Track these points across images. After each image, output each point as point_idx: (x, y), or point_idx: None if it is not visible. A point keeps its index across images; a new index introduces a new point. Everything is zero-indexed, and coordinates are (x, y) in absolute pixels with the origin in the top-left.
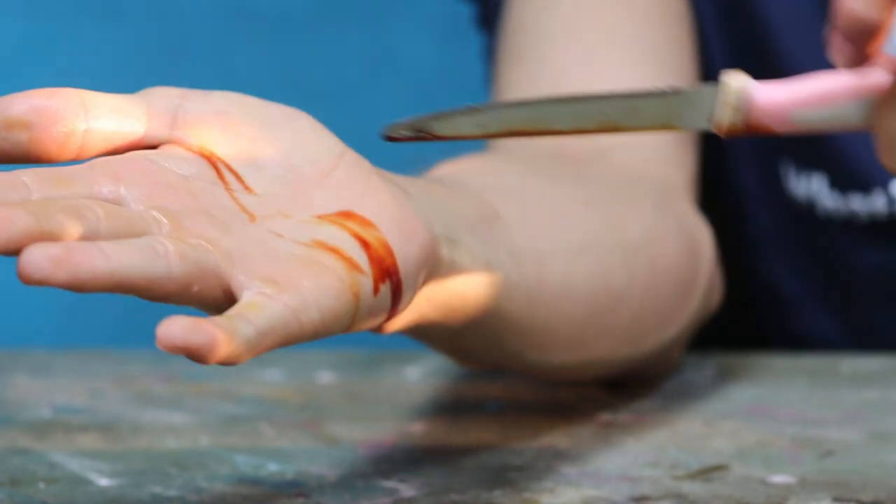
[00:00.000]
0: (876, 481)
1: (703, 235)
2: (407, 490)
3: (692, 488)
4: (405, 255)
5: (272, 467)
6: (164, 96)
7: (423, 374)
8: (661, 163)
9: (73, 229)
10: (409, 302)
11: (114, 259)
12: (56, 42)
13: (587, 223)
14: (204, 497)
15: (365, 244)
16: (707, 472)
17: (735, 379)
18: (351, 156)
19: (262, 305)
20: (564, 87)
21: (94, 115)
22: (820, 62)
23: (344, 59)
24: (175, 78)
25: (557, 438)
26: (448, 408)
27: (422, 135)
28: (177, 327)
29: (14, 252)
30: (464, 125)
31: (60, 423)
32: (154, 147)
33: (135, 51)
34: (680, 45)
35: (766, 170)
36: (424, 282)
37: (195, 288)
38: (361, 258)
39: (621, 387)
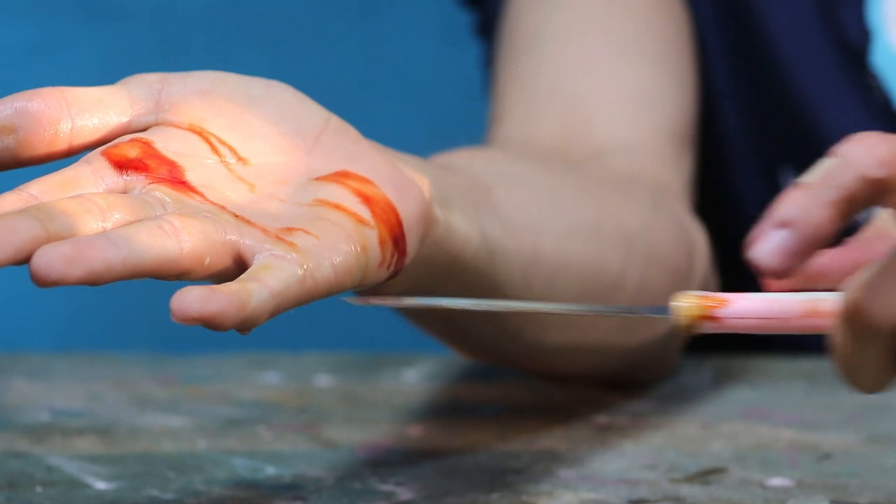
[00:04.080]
0: (874, 484)
1: (698, 237)
2: (404, 493)
3: (690, 491)
4: (404, 209)
5: (270, 470)
6: (144, 83)
7: (420, 377)
8: (657, 166)
9: (79, 225)
10: (413, 255)
11: (123, 246)
12: (56, 42)
13: (582, 207)
14: (201, 500)
15: (367, 199)
16: (705, 475)
17: (733, 381)
18: (336, 121)
19: (275, 267)
20: (563, 86)
21: (77, 111)
22: (818, 67)
23: (343, 59)
24: None
25: (555, 441)
26: (445, 411)
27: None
28: (191, 298)
29: (24, 260)
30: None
31: (58, 427)
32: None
33: (135, 51)
34: (679, 48)
35: (766, 177)
36: (422, 240)
37: (207, 260)
38: (365, 213)
39: (618, 388)
